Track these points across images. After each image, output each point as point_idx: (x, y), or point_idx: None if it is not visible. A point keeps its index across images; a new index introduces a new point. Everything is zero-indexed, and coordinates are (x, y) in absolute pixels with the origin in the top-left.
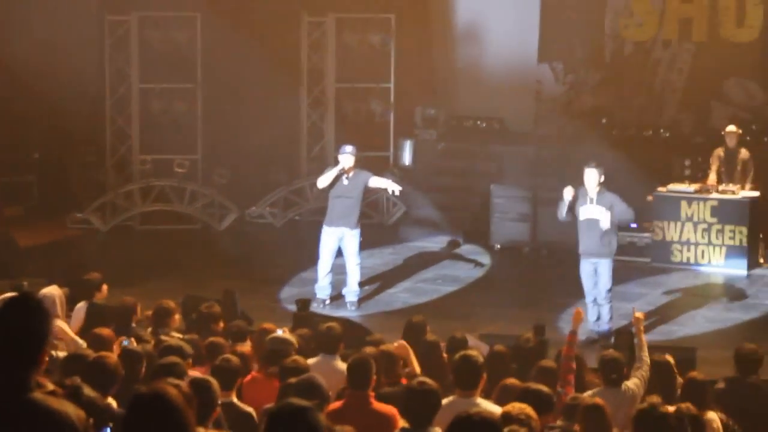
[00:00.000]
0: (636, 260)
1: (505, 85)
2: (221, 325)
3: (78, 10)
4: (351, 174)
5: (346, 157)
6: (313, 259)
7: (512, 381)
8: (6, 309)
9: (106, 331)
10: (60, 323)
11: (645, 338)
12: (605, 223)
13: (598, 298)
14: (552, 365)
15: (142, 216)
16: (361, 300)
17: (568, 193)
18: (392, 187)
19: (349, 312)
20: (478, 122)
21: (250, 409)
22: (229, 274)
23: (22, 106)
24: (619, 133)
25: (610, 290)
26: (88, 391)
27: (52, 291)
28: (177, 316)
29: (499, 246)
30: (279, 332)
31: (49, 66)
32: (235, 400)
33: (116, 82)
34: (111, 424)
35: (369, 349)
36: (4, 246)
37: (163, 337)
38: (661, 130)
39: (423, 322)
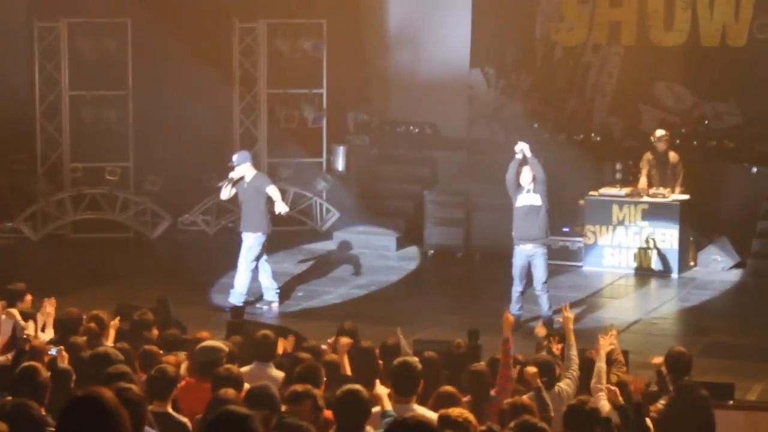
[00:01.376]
0: (569, 264)
1: (438, 90)
2: (155, 332)
3: (6, 16)
4: (248, 179)
5: (238, 167)
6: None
7: (446, 389)
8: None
9: (37, 342)
10: None
11: (574, 337)
12: (537, 203)
13: (536, 288)
14: (483, 369)
15: (74, 224)
16: (292, 306)
17: (520, 147)
18: (279, 207)
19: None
20: (411, 127)
21: (184, 420)
22: (163, 281)
23: None
24: (551, 138)
25: (545, 280)
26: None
27: None
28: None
29: (432, 251)
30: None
31: None
32: (170, 410)
33: (46, 89)
34: None
35: (305, 355)
36: None
37: (100, 349)
38: (592, 134)
39: (354, 329)
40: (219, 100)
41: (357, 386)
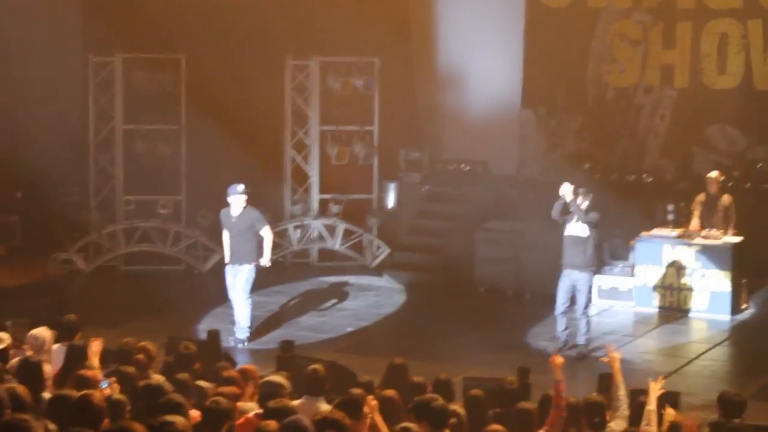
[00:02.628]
0: (619, 303)
1: (489, 128)
2: (198, 366)
3: (62, 50)
4: (239, 211)
5: (236, 198)
6: (298, 303)
7: (495, 428)
8: None
9: (90, 372)
10: (46, 366)
11: (621, 378)
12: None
13: (577, 313)
14: (531, 407)
15: (126, 257)
16: (341, 341)
17: (564, 189)
18: (264, 259)
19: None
20: (462, 165)
21: None
22: (213, 315)
23: (5, 146)
24: (602, 178)
25: (587, 306)
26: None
27: (42, 333)
28: (157, 360)
29: (482, 289)
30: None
31: (33, 106)
32: None
33: (100, 122)
34: None
35: (358, 390)
36: None
37: (153, 380)
38: (644, 175)
39: (404, 364)
40: (270, 137)
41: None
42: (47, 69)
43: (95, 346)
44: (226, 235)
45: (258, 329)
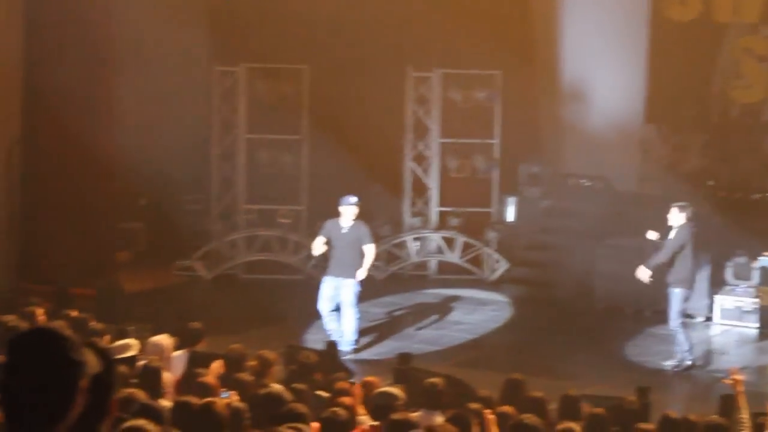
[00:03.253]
0: (742, 325)
1: (611, 143)
2: (317, 376)
3: (187, 59)
4: (350, 224)
5: (349, 209)
6: (414, 315)
7: None
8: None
9: (212, 380)
10: (165, 373)
11: (744, 401)
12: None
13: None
14: (652, 429)
15: (246, 265)
16: (458, 354)
17: (651, 235)
18: (361, 273)
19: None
20: (582, 180)
21: None
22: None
23: (131, 154)
24: (726, 196)
25: (674, 319)
26: None
27: (163, 340)
28: (276, 368)
29: (602, 306)
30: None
31: (158, 114)
32: None
33: (223, 131)
34: None
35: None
36: (111, 291)
37: (274, 388)
38: None
39: (522, 380)
40: (391, 148)
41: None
42: (173, 78)
43: (216, 368)
44: (318, 241)
45: (374, 340)
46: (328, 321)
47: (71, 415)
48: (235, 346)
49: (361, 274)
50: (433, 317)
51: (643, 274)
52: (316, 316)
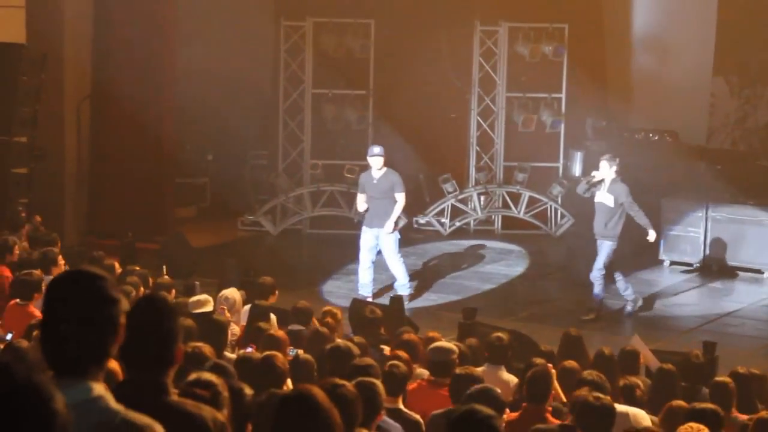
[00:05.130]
0: None
1: (679, 97)
2: (382, 330)
3: (255, 15)
4: (380, 174)
5: (374, 159)
6: (478, 271)
7: (679, 403)
8: (136, 310)
9: (281, 334)
10: (233, 326)
11: None
12: (610, 204)
13: (591, 274)
14: (728, 381)
15: (312, 220)
16: (520, 310)
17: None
18: (389, 224)
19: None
20: (650, 135)
21: (417, 417)
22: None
23: (197, 109)
24: None
25: (601, 269)
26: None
27: (233, 294)
28: (342, 323)
29: (668, 261)
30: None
31: (224, 69)
32: (401, 406)
33: (290, 87)
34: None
35: (539, 361)
36: (178, 246)
37: (340, 342)
38: None
39: (580, 336)
40: (457, 102)
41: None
42: (240, 33)
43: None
44: (360, 198)
45: (436, 294)
46: (364, 271)
47: (113, 350)
48: (302, 303)
49: (389, 226)
50: (497, 272)
51: (653, 236)
52: (382, 271)
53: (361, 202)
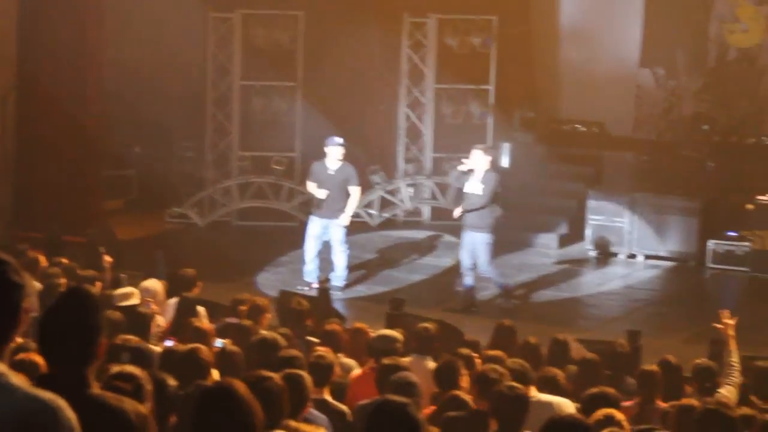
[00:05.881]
0: (734, 269)
1: (606, 89)
2: (309, 322)
3: (182, 7)
4: (337, 165)
5: (336, 149)
6: (411, 261)
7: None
8: (59, 303)
9: (207, 326)
10: (158, 317)
11: (735, 344)
12: (480, 194)
13: (480, 270)
14: (655, 370)
15: (240, 212)
16: (450, 300)
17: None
18: (344, 217)
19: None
20: (578, 126)
21: (343, 407)
22: (324, 271)
23: (125, 101)
24: (721, 140)
25: (488, 261)
26: (171, 383)
27: (154, 285)
28: (268, 315)
29: (594, 250)
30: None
31: (152, 62)
32: (327, 397)
33: (218, 78)
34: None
35: (464, 351)
36: (104, 239)
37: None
38: (764, 138)
39: (513, 326)
40: (385, 94)
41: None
42: (168, 24)
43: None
44: (312, 186)
45: (365, 285)
46: (310, 260)
47: (13, 335)
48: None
49: (345, 219)
50: (426, 263)
51: (458, 212)
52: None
53: (315, 189)
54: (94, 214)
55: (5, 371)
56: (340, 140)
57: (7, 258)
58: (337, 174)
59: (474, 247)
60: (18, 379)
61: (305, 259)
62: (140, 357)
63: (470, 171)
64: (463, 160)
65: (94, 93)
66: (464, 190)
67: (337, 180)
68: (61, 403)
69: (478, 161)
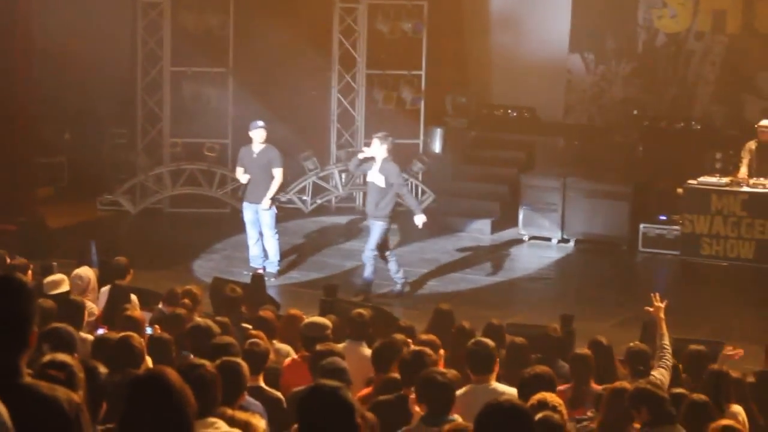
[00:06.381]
0: (665, 253)
1: (536, 74)
2: (243, 309)
3: None
4: (260, 148)
5: (258, 132)
6: (344, 248)
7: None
8: None
9: (138, 314)
10: (91, 305)
11: (666, 327)
12: (380, 184)
13: (363, 255)
14: (587, 354)
15: (172, 199)
16: (385, 287)
17: (367, 151)
18: (265, 200)
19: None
20: (509, 111)
21: (278, 394)
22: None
23: (54, 87)
24: (651, 125)
25: (373, 249)
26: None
27: (86, 272)
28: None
29: (527, 235)
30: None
31: (81, 47)
32: (262, 384)
33: (148, 64)
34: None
35: (400, 336)
36: (34, 227)
37: (201, 321)
38: (693, 123)
39: (451, 310)
40: (317, 80)
41: (442, 370)
42: (97, 10)
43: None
44: (239, 172)
45: (300, 271)
46: (252, 245)
47: None
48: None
49: (266, 202)
50: (359, 249)
51: (420, 220)
52: (243, 249)
53: (240, 174)
54: (24, 201)
55: None
56: (262, 123)
57: None
58: (260, 156)
59: (370, 233)
60: None
61: (248, 244)
62: (72, 345)
63: (370, 159)
64: (364, 148)
65: (22, 80)
66: (367, 179)
67: (260, 163)
68: None
69: (376, 149)
